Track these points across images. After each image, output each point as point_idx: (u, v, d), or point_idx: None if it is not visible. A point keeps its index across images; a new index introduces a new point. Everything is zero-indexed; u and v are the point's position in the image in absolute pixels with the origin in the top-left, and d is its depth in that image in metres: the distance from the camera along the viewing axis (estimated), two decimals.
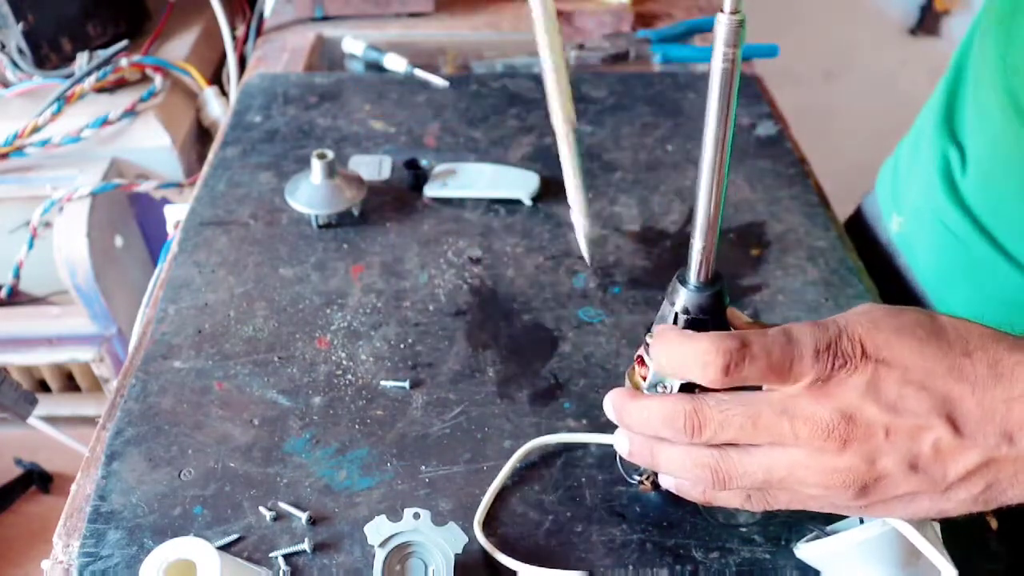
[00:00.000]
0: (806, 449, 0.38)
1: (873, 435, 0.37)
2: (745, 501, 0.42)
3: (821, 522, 0.47)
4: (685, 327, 0.41)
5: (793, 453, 0.38)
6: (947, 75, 0.70)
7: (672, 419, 0.40)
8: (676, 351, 0.40)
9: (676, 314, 0.42)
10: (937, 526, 0.43)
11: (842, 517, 0.47)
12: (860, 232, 0.79)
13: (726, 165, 0.38)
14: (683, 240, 0.69)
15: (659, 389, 0.42)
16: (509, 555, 0.46)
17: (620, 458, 0.50)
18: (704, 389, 0.40)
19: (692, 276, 0.41)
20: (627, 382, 0.44)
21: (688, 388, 0.41)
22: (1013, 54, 0.56)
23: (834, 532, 0.46)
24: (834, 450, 0.37)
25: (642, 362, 0.43)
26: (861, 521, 0.45)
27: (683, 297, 0.41)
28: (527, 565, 0.45)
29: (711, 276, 0.41)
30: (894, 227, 0.75)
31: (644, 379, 0.43)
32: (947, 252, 0.66)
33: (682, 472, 0.41)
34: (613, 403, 0.43)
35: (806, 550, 0.45)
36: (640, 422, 0.41)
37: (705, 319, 0.41)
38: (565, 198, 0.72)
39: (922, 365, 0.37)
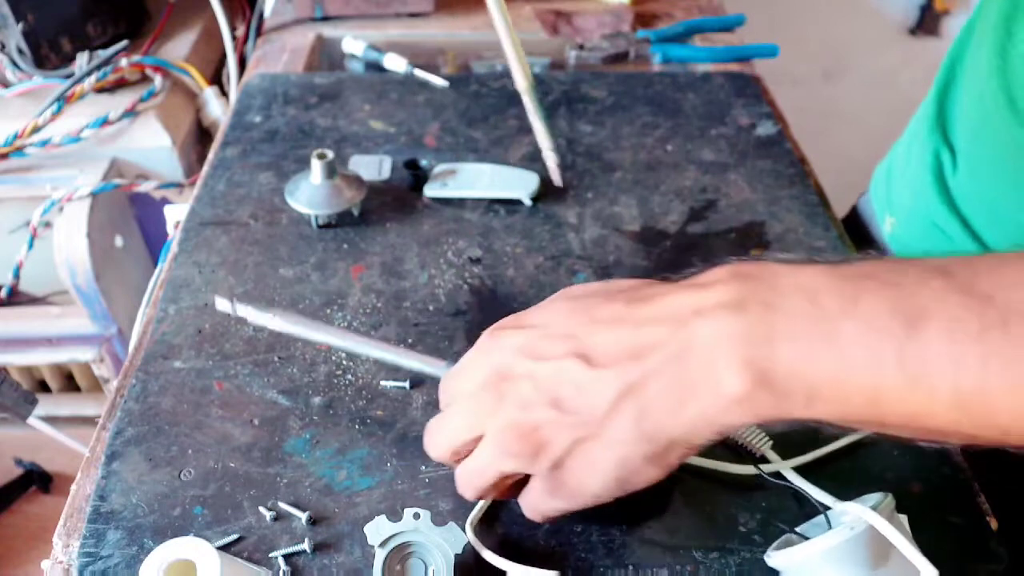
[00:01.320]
0: (472, 418, 0.41)
1: (521, 385, 0.40)
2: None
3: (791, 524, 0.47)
4: None
5: (480, 443, 0.42)
6: (939, 75, 0.70)
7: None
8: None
9: None
10: (905, 521, 0.43)
11: (814, 514, 0.47)
12: (855, 232, 0.79)
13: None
14: (683, 240, 0.69)
15: None
16: (509, 555, 0.46)
17: None
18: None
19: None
20: None
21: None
22: (1012, 52, 0.56)
23: (804, 535, 0.46)
24: (490, 406, 0.40)
25: None
26: (829, 526, 0.45)
27: None
28: (513, 563, 0.45)
29: None
30: (887, 228, 0.75)
31: None
32: (938, 252, 0.66)
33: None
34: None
35: (775, 558, 0.44)
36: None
37: None
38: (565, 198, 0.73)
39: (566, 319, 0.40)
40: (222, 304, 0.54)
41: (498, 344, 0.42)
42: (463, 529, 0.45)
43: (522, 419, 0.39)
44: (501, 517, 0.49)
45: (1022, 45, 0.55)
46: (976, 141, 0.61)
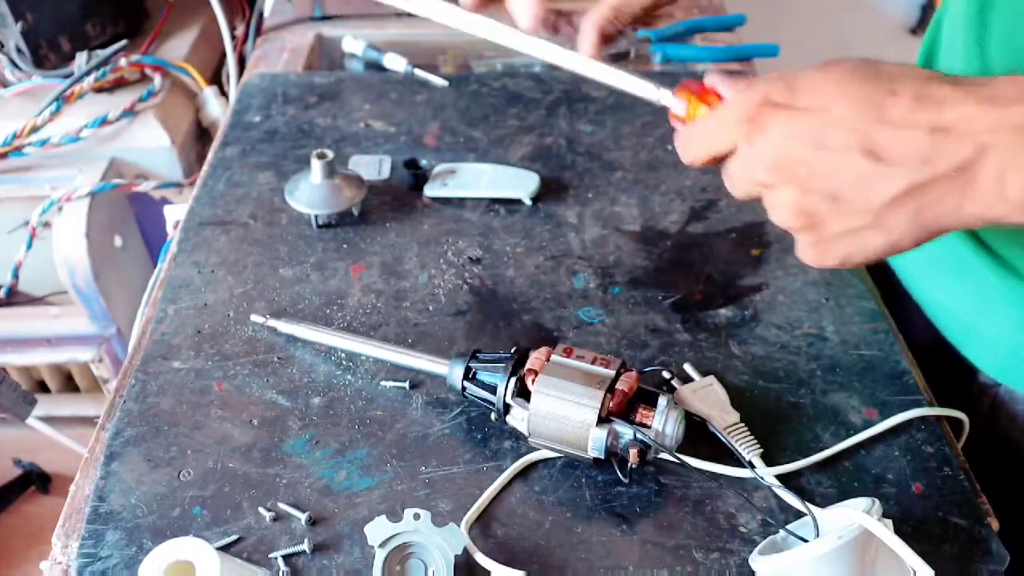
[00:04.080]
0: (747, 184, 0.43)
1: (797, 170, 0.40)
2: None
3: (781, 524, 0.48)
4: None
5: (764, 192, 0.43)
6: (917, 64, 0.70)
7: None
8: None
9: None
10: (891, 526, 0.43)
11: (800, 515, 0.47)
12: None
13: None
14: (683, 240, 0.69)
15: None
16: (509, 555, 0.46)
17: (617, 458, 0.50)
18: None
19: None
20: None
21: None
22: (990, 42, 0.57)
23: (792, 532, 0.46)
24: (766, 177, 0.42)
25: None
26: (817, 533, 0.45)
27: None
28: (500, 565, 0.45)
29: None
30: None
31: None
32: (927, 246, 0.66)
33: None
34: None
35: (761, 563, 0.44)
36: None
37: None
38: (565, 198, 0.73)
39: (850, 110, 0.40)
40: (256, 319, 0.61)
41: (774, 125, 0.41)
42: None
43: (798, 201, 0.41)
44: (500, 517, 0.49)
45: (998, 35, 0.56)
46: None
